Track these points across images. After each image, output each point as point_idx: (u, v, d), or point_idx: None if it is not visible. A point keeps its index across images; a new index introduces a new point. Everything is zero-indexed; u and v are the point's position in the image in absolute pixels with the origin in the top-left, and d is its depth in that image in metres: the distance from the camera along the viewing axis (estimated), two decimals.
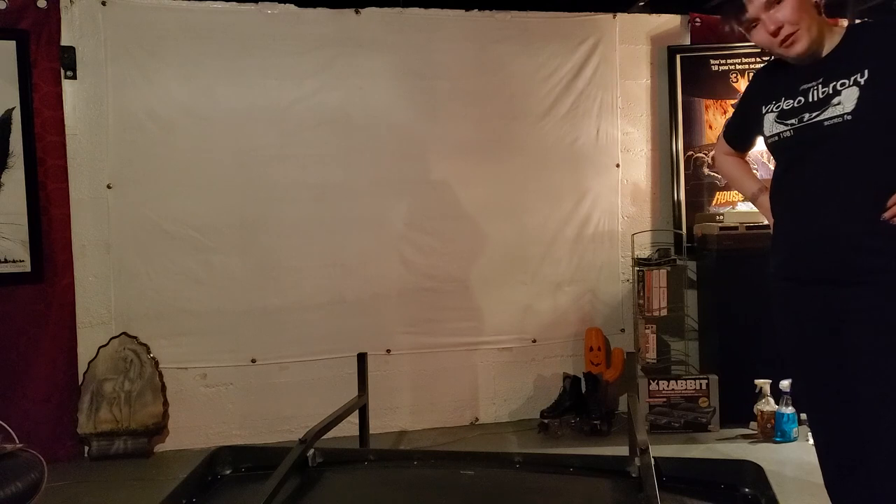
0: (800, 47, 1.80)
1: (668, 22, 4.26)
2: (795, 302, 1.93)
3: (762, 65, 2.14)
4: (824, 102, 1.80)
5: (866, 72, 1.74)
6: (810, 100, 1.83)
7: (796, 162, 1.88)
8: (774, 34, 1.79)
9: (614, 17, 4.19)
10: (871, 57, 1.76)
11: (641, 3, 4.18)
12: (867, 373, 1.77)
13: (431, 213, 4.01)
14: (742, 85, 4.13)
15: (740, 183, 2.26)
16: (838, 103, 1.77)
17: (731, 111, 2.34)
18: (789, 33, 1.79)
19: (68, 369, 3.61)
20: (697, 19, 4.23)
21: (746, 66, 4.15)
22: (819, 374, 1.91)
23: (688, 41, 4.24)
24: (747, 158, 2.32)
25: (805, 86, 1.85)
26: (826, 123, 1.79)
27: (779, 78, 1.95)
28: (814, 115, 1.81)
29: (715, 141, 3.96)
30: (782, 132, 1.88)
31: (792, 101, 1.87)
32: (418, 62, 3.97)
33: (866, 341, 1.77)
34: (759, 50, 4.09)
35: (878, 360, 1.75)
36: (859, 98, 1.74)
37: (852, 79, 1.76)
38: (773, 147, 1.95)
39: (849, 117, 1.75)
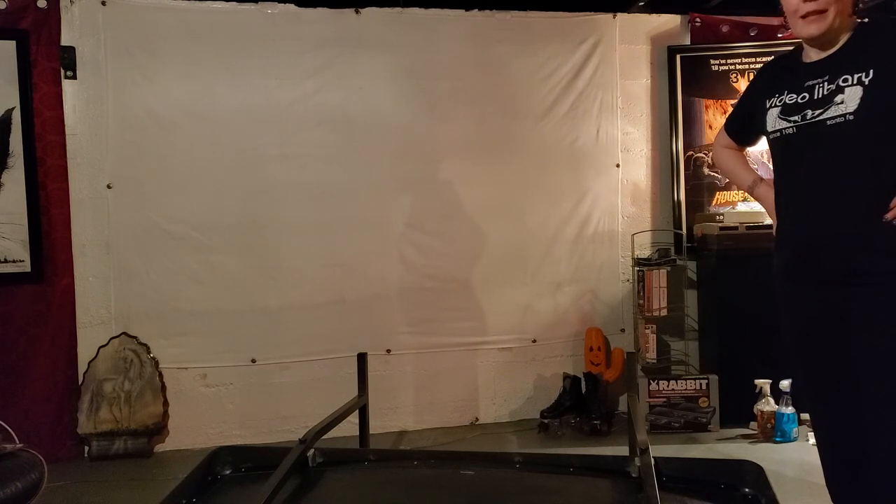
0: (817, 28, 1.78)
1: (668, 22, 4.26)
2: (800, 302, 1.93)
3: (768, 60, 2.12)
4: (828, 100, 1.79)
5: (871, 71, 1.73)
6: (815, 97, 1.82)
7: (798, 160, 1.88)
8: (807, 1, 1.77)
9: (614, 17, 4.19)
10: (878, 57, 1.75)
11: (641, 3, 4.18)
12: (871, 373, 1.77)
13: (431, 213, 4.01)
14: (742, 85, 4.13)
15: (736, 174, 2.24)
16: (841, 102, 1.76)
17: (731, 111, 2.32)
18: (818, 9, 1.76)
19: (68, 369, 3.61)
20: (697, 19, 4.22)
21: (746, 66, 4.15)
22: (823, 373, 1.91)
23: (688, 41, 4.24)
24: (747, 156, 2.30)
25: (810, 82, 1.84)
26: (829, 122, 1.78)
27: (784, 72, 1.94)
28: (817, 113, 1.80)
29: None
30: (785, 129, 1.87)
31: (796, 96, 1.86)
32: (418, 62, 3.97)
33: (871, 341, 1.77)
34: (759, 50, 4.11)
35: (883, 360, 1.75)
36: (862, 98, 1.73)
37: (857, 77, 1.75)
38: (775, 143, 1.93)
39: (851, 117, 1.74)
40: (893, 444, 1.74)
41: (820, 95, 1.81)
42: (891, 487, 1.76)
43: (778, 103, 1.90)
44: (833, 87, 1.79)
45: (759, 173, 2.24)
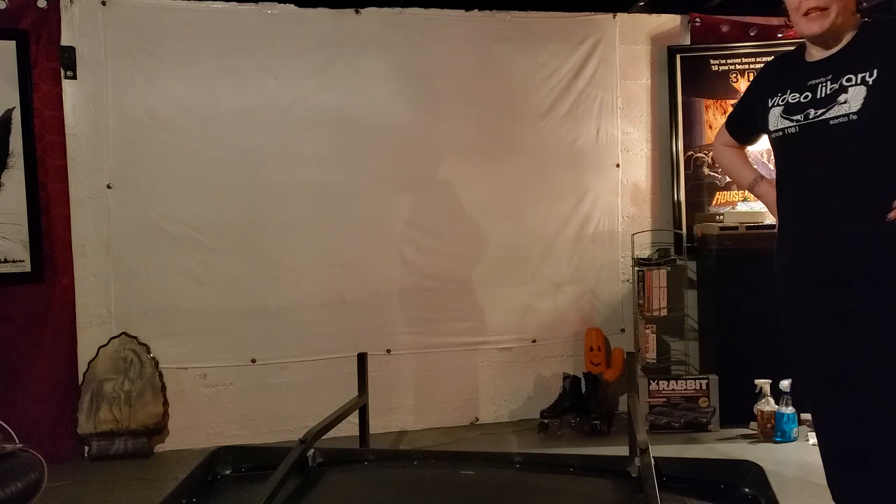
0: (819, 26, 1.78)
1: (668, 22, 4.26)
2: (801, 301, 1.93)
3: (768, 59, 2.12)
4: (831, 99, 1.78)
5: (875, 71, 1.73)
6: (818, 96, 1.82)
7: (801, 160, 1.87)
8: None
9: (614, 17, 4.19)
10: (882, 57, 1.74)
11: (641, 3, 4.17)
12: (872, 373, 1.78)
13: (431, 212, 4.01)
14: (742, 85, 4.13)
15: (737, 172, 2.24)
16: (844, 101, 1.76)
17: (732, 109, 2.32)
18: (820, 7, 1.77)
19: (68, 369, 3.61)
20: (697, 19, 4.22)
21: (746, 66, 4.15)
22: (824, 373, 1.92)
23: (688, 41, 4.23)
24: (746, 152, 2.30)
25: (813, 81, 1.84)
26: (832, 122, 1.78)
27: (787, 71, 1.94)
28: (819, 112, 1.80)
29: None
30: (787, 128, 1.87)
31: (798, 95, 1.86)
32: (418, 62, 3.97)
33: (871, 341, 1.77)
34: (759, 50, 4.11)
35: (884, 360, 1.75)
36: (866, 98, 1.73)
37: (860, 77, 1.74)
38: (778, 142, 1.93)
39: (854, 117, 1.74)
40: (893, 443, 1.75)
41: (823, 95, 1.81)
42: (891, 487, 1.76)
43: (780, 102, 1.89)
44: (836, 86, 1.78)
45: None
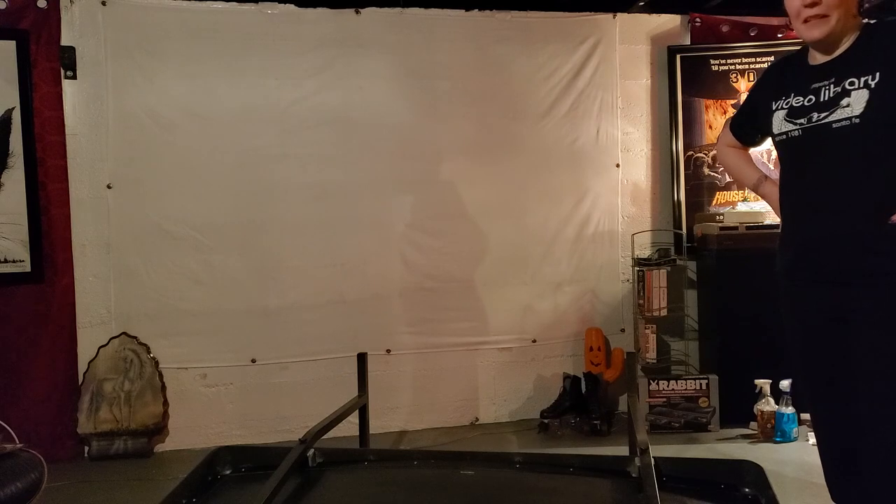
0: (819, 32, 1.78)
1: (668, 22, 4.26)
2: (802, 302, 1.93)
3: (769, 60, 2.13)
4: (833, 103, 1.79)
5: (877, 74, 1.73)
6: (821, 99, 1.82)
7: (804, 163, 1.88)
8: (808, 6, 1.77)
9: (614, 17, 4.19)
10: (884, 59, 1.74)
11: (641, 3, 4.18)
12: (871, 373, 1.78)
13: (432, 212, 4.01)
14: (742, 85, 4.13)
15: (741, 172, 2.24)
16: (847, 105, 1.76)
17: (731, 111, 2.32)
18: (819, 14, 1.77)
19: (68, 369, 3.61)
20: (697, 19, 4.23)
21: (746, 66, 4.15)
22: (823, 373, 1.92)
23: (688, 41, 4.24)
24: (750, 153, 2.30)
25: (816, 84, 1.84)
26: (834, 125, 1.78)
27: (791, 74, 1.94)
28: (822, 115, 1.80)
29: (715, 141, 3.97)
30: (791, 131, 1.88)
31: (802, 99, 1.86)
32: (418, 62, 3.97)
33: (871, 342, 1.77)
34: (759, 50, 4.11)
35: (883, 360, 1.75)
36: (868, 101, 1.73)
37: (863, 80, 1.75)
38: (781, 145, 1.94)
39: (857, 120, 1.74)
40: (891, 442, 1.75)
41: (826, 98, 1.81)
42: (889, 485, 1.76)
43: (784, 105, 1.90)
44: (839, 89, 1.79)
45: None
